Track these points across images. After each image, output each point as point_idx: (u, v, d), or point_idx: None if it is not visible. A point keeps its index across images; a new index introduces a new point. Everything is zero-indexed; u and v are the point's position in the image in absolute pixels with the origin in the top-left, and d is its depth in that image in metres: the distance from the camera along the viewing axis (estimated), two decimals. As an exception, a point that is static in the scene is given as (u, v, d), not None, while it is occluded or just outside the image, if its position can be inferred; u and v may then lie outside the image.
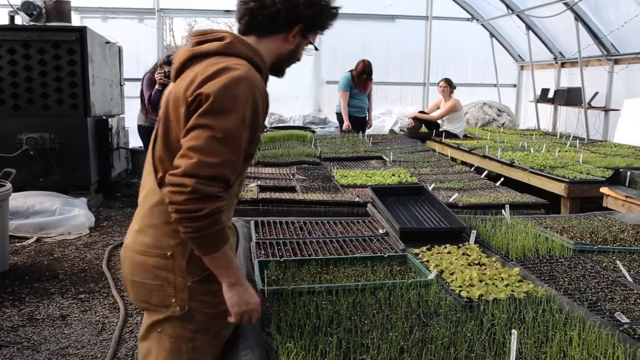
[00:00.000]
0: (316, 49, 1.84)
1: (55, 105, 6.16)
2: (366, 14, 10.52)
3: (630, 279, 2.27)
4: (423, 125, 8.28)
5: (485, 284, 2.15)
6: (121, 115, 7.91)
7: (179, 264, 1.62)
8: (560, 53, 9.89)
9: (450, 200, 3.90)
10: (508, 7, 9.54)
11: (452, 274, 2.24)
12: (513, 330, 1.56)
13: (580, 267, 2.39)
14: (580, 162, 5.63)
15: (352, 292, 2.06)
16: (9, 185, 4.48)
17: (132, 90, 8.34)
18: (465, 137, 8.19)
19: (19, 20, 6.58)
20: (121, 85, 8.11)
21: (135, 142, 8.72)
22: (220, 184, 1.50)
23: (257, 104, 1.56)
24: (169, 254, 1.62)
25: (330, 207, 3.76)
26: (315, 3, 1.73)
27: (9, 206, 4.58)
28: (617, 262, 2.41)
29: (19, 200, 5.68)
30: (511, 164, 5.72)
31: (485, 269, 2.30)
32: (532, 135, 8.47)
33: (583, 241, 2.74)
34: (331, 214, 3.70)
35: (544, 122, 10.17)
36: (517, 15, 9.57)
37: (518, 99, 11.45)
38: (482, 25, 10.87)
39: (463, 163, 6.79)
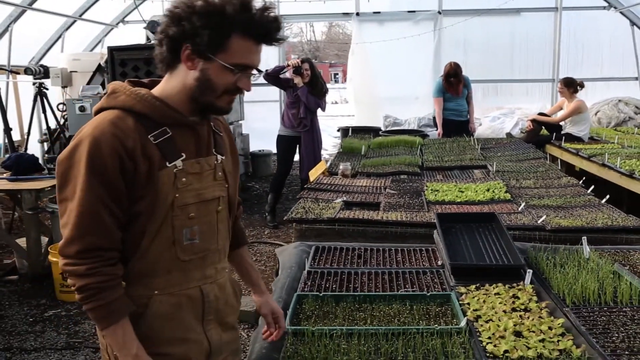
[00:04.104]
0: (258, 71, 1.57)
1: (174, 116, 6.63)
2: (489, 9, 10.07)
3: (700, 339, 1.99)
4: (544, 128, 7.78)
5: (522, 336, 2.01)
6: (239, 122, 8.30)
7: None
8: None
9: (539, 222, 3.65)
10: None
11: (489, 321, 2.12)
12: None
13: (645, 319, 2.15)
14: None
15: (374, 336, 2.03)
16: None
17: (254, 95, 8.73)
18: (592, 139, 7.58)
19: (151, 36, 7.19)
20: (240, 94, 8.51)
21: (256, 145, 9.19)
22: (92, 257, 1.45)
23: (106, 160, 1.44)
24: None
25: (407, 228, 3.68)
26: (195, 12, 1.45)
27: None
28: (687, 317, 2.12)
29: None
30: (630, 175, 5.21)
31: (528, 317, 2.15)
32: (672, 137, 7.62)
33: (663, 284, 2.44)
34: (408, 235, 3.63)
35: (693, 119, 9.10)
36: (661, 2, 8.65)
37: (664, 94, 10.34)
38: (621, 12, 9.94)
39: (582, 171, 6.30)
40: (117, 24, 10.51)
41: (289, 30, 30.54)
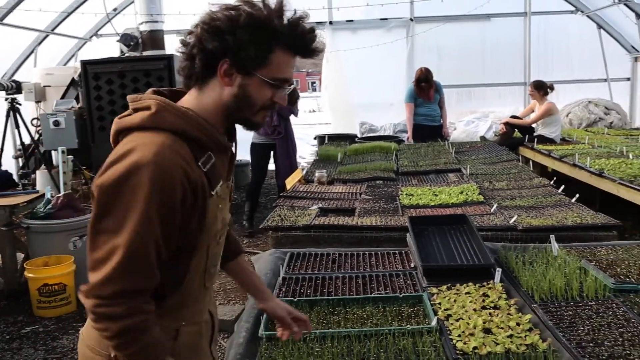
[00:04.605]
0: (288, 83, 1.47)
1: (149, 129, 6.64)
2: (460, 15, 10.22)
3: (662, 329, 2.06)
4: (516, 130, 7.91)
5: (491, 333, 2.06)
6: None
7: None
8: (678, 42, 9.02)
9: (511, 222, 3.72)
10: (616, -5, 8.87)
11: (459, 319, 2.17)
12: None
13: (610, 313, 2.21)
14: (682, 169, 5.12)
15: (347, 338, 2.06)
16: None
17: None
18: (564, 140, 7.72)
19: (125, 49, 7.19)
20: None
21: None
22: (130, 298, 1.30)
23: (171, 192, 1.31)
24: (112, 355, 1.41)
25: (381, 233, 3.73)
26: (239, 25, 1.36)
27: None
28: (649, 308, 2.20)
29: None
30: (600, 174, 5.33)
31: (497, 314, 2.20)
32: (640, 136, 7.80)
33: (628, 279, 2.52)
34: (382, 239, 3.68)
35: (662, 119, 9.32)
36: (625, 4, 8.85)
37: (633, 94, 10.53)
38: (588, 16, 10.15)
39: (554, 172, 6.43)
40: (90, 37, 10.45)
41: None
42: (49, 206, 4.66)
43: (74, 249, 4.60)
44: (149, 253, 1.30)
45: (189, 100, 1.45)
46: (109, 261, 1.27)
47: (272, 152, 7.06)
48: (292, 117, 7.04)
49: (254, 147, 7.06)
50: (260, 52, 1.38)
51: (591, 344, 1.97)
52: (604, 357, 1.88)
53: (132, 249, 1.27)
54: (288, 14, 1.40)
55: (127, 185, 1.27)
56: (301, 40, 1.42)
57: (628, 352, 1.90)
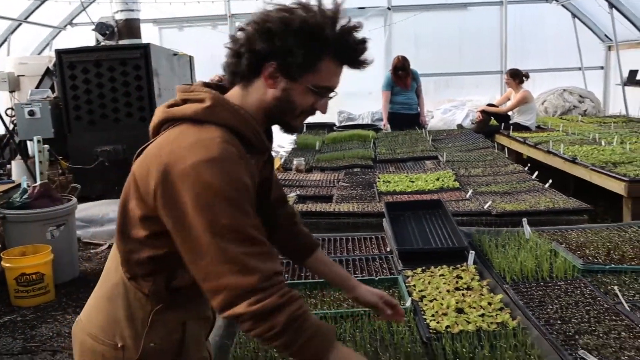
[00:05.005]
0: (331, 92, 1.45)
1: (126, 118, 6.61)
2: (438, 4, 10.29)
3: (627, 307, 2.14)
4: (493, 118, 8.01)
5: (464, 312, 2.12)
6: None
7: (130, 358, 1.42)
8: (650, 31, 9.18)
9: (485, 207, 3.79)
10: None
11: (433, 300, 2.22)
12: (442, 375, 1.55)
13: (578, 292, 2.28)
14: (654, 155, 5.24)
15: (323, 319, 2.10)
16: (74, 200, 4.88)
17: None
18: (539, 128, 7.85)
19: (101, 38, 7.12)
20: (193, 93, 8.49)
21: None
22: (280, 283, 1.27)
23: (240, 181, 1.29)
24: (119, 345, 1.42)
25: (358, 219, 3.78)
26: (291, 30, 1.33)
27: (75, 218, 4.98)
28: (615, 287, 2.27)
29: (95, 209, 6.15)
30: (573, 160, 5.43)
31: (470, 294, 2.26)
32: (612, 123, 7.95)
33: (596, 260, 2.60)
34: (360, 225, 3.72)
35: (633, 107, 9.48)
36: (599, -7, 9.00)
37: (606, 83, 10.74)
38: (563, 5, 10.29)
39: (529, 159, 6.54)
40: (65, 26, 10.33)
41: (243, 29, 30.25)
42: (25, 196, 4.62)
43: (51, 239, 4.57)
44: (254, 236, 1.27)
45: (235, 97, 1.43)
46: (234, 257, 1.23)
47: None
48: None
49: None
50: (308, 58, 1.36)
51: (559, 322, 2.04)
52: (570, 334, 1.94)
53: (242, 238, 1.25)
54: (342, 22, 1.38)
55: (200, 183, 1.24)
56: (351, 51, 1.41)
57: (593, 328, 1.97)
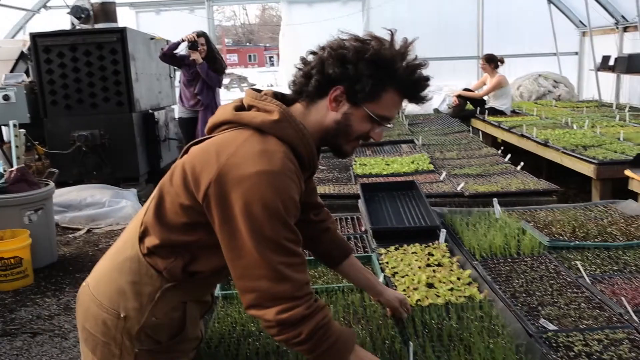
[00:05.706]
0: (388, 122, 1.52)
1: (103, 103, 6.58)
2: (415, -11, 10.34)
3: (588, 280, 2.24)
4: (469, 103, 8.12)
5: (434, 287, 2.21)
6: (172, 106, 8.25)
7: (130, 328, 1.48)
8: (623, 17, 9.33)
9: (458, 188, 3.89)
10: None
11: (405, 276, 2.31)
12: (410, 342, 1.63)
13: (543, 267, 2.39)
14: (621, 139, 5.39)
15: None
16: (52, 184, 4.87)
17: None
18: (514, 112, 7.98)
19: (76, 21, 7.04)
20: (171, 77, 8.46)
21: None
22: (310, 295, 1.38)
23: (291, 198, 1.36)
24: (122, 315, 1.47)
25: (334, 200, 3.85)
26: (364, 59, 1.42)
27: (52, 203, 4.97)
28: (577, 262, 2.38)
29: (73, 194, 6.14)
30: (545, 144, 5.56)
31: (440, 270, 2.35)
32: (585, 108, 8.11)
33: (561, 237, 2.71)
34: (336, 206, 3.79)
35: (606, 92, 9.67)
36: (574, -21, 9.12)
37: (580, 68, 10.91)
38: (539, -9, 10.41)
39: (504, 142, 6.66)
40: (39, 9, 10.18)
41: (221, 13, 30.06)
42: (2, 180, 4.61)
43: (29, 223, 4.58)
44: (292, 248, 1.36)
45: (298, 113, 1.49)
46: (271, 265, 1.32)
47: None
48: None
49: (181, 122, 6.88)
50: (374, 87, 1.43)
51: (524, 295, 2.14)
52: (533, 305, 2.04)
53: (281, 249, 1.33)
54: (410, 58, 1.46)
55: (255, 192, 1.31)
56: (415, 86, 1.48)
57: (555, 300, 2.08)
